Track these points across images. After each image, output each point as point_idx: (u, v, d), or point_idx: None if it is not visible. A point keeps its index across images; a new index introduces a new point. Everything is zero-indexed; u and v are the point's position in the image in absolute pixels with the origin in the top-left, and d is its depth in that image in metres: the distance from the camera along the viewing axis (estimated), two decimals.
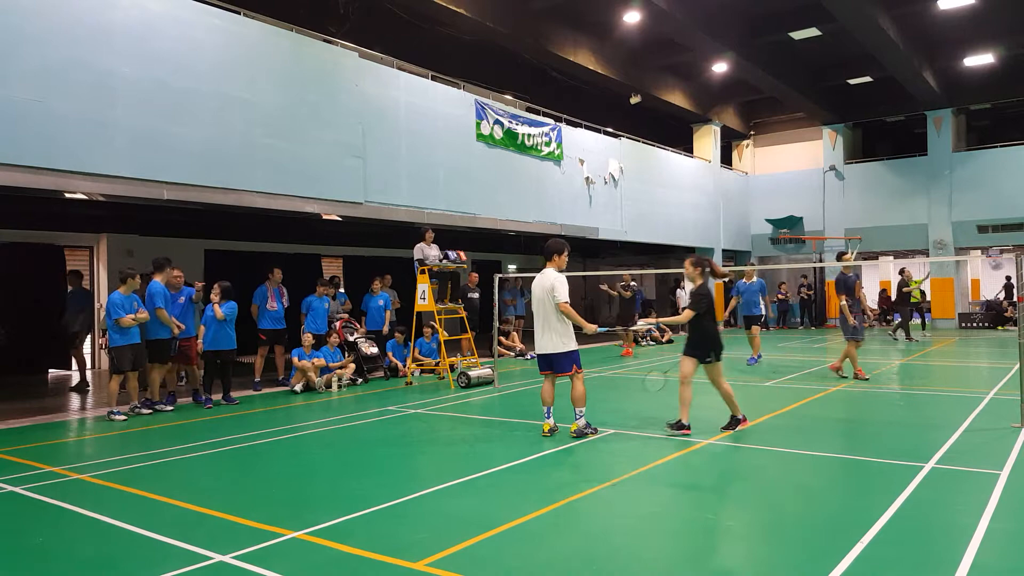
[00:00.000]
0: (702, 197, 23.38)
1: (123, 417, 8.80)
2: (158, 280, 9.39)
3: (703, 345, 7.24)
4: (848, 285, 10.81)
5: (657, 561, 4.12)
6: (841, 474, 5.94)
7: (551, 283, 7.13)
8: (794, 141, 26.14)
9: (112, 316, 8.73)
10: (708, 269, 7.43)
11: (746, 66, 19.00)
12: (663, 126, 23.71)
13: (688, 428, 7.17)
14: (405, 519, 4.84)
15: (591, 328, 7.29)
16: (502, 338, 15.51)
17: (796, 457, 6.49)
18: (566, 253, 7.42)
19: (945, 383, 11.14)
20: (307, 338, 11.25)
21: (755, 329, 13.79)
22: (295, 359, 10.98)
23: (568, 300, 7.13)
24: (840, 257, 12.22)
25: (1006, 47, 19.94)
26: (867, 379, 10.81)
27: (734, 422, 7.41)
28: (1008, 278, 23.19)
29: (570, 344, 7.20)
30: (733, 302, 14.34)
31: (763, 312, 14.31)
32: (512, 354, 15.81)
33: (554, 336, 7.15)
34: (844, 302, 10.81)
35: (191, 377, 10.30)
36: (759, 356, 13.64)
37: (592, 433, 7.30)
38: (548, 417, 7.35)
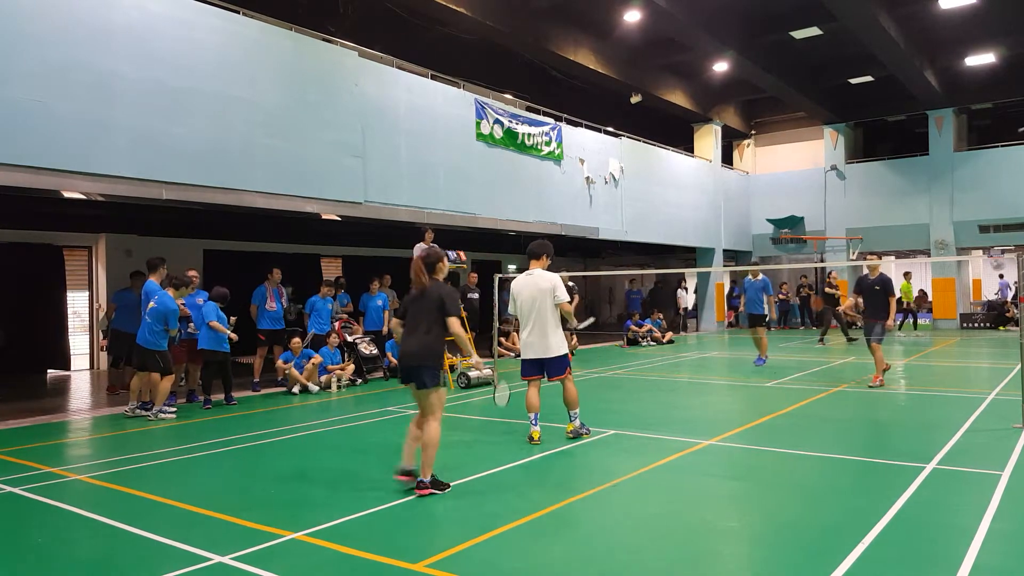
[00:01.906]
0: (703, 197, 23.35)
1: (173, 412, 9.08)
2: (154, 280, 9.43)
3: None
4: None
5: (657, 562, 4.10)
6: (842, 474, 5.92)
7: (550, 283, 6.88)
8: (795, 141, 26.12)
9: (172, 323, 8.98)
10: (441, 265, 5.68)
11: (747, 65, 18.98)
12: (663, 126, 23.67)
13: (446, 485, 5.43)
14: (405, 520, 4.83)
15: (575, 324, 7.41)
16: (502, 339, 15.49)
17: (797, 457, 6.47)
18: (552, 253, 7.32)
19: (946, 383, 11.12)
20: (295, 343, 11.20)
21: (761, 330, 13.69)
22: (291, 368, 10.90)
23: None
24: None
25: (1007, 46, 19.90)
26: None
27: (421, 484, 5.29)
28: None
29: (565, 347, 7.06)
30: (741, 301, 14.26)
31: (766, 312, 14.05)
32: (512, 355, 15.78)
33: (552, 339, 6.91)
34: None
35: (189, 377, 10.32)
36: (765, 358, 13.53)
37: (586, 433, 7.24)
38: (536, 424, 7.04)
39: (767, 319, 14.25)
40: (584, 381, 7.72)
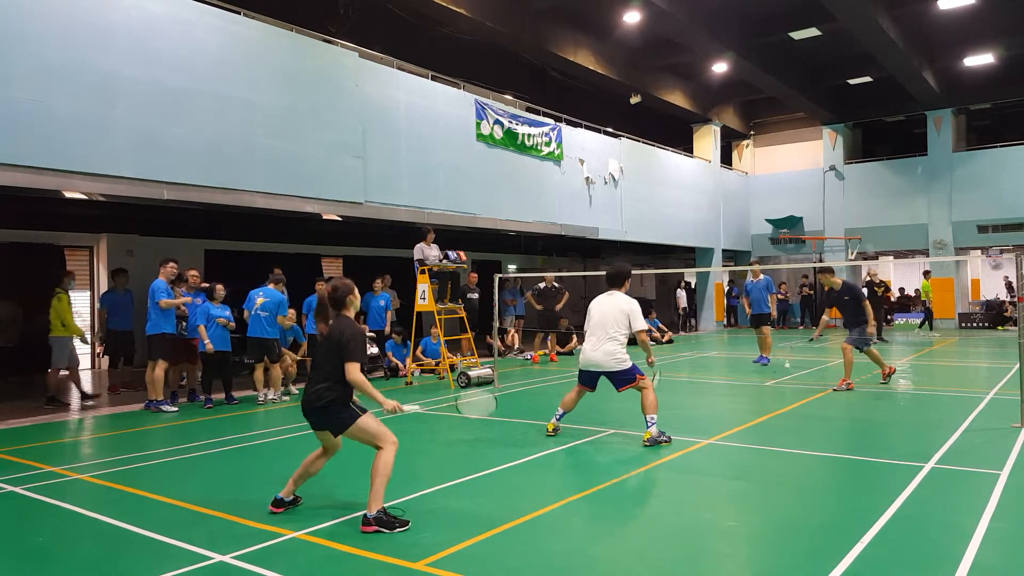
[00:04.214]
0: (702, 197, 23.37)
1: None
2: (162, 279, 9.58)
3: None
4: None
5: (657, 561, 4.12)
6: (841, 474, 5.94)
7: (629, 307, 7.10)
8: (794, 141, 26.15)
9: (283, 311, 9.92)
10: (351, 298, 4.88)
11: (746, 66, 19.00)
12: (663, 126, 23.70)
13: (400, 523, 4.59)
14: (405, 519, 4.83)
15: (652, 360, 7.52)
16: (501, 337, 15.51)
17: (796, 457, 6.49)
18: None
19: (945, 383, 11.14)
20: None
21: (766, 329, 13.70)
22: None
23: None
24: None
25: (1006, 47, 19.94)
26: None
27: (365, 520, 4.57)
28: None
29: (627, 362, 7.11)
30: (744, 301, 14.31)
31: (770, 310, 14.08)
32: (511, 354, 15.80)
33: (609, 355, 7.00)
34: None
35: (189, 377, 10.33)
36: (768, 358, 13.52)
37: (666, 441, 6.91)
38: (558, 419, 7.35)
39: (770, 317, 14.31)
40: None
